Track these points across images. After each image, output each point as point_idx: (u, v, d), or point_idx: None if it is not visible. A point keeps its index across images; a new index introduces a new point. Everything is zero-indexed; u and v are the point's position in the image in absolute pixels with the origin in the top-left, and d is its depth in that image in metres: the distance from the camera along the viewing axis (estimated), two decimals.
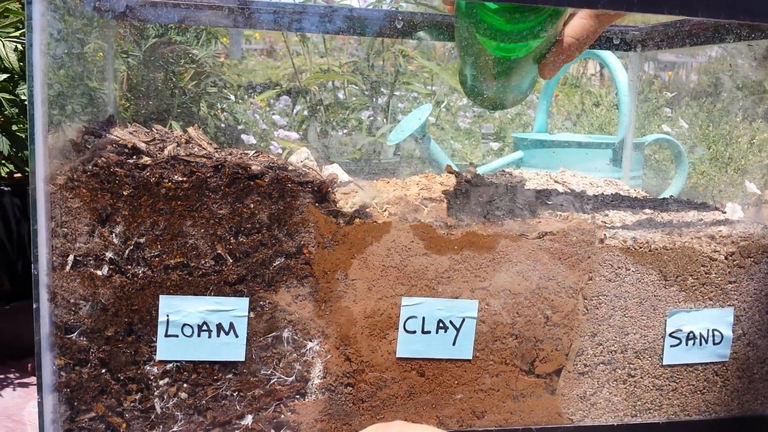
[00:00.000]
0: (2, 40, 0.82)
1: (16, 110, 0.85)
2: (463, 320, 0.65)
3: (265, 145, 1.76)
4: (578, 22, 0.64)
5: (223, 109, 1.47)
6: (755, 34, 0.74)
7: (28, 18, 0.55)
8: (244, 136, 1.66)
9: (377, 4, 1.66)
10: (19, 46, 0.84)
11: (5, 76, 0.83)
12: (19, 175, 1.00)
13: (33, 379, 0.87)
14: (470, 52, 0.69)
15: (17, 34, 0.84)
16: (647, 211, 0.77)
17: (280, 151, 1.72)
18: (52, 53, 0.58)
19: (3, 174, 0.96)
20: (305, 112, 1.79)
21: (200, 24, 0.86)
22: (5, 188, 0.93)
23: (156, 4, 0.80)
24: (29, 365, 0.90)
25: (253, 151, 0.66)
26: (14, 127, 0.88)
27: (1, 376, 0.87)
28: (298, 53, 1.90)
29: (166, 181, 0.58)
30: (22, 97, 0.87)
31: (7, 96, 0.84)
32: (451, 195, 0.76)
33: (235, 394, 0.62)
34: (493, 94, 0.75)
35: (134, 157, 0.60)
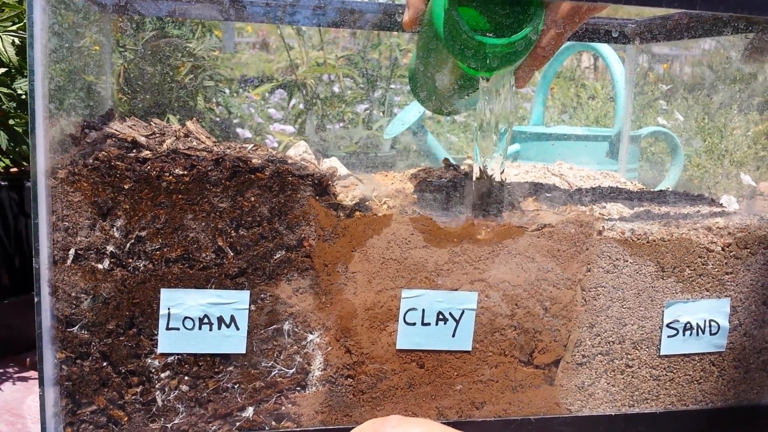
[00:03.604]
0: (0, 34, 0.82)
1: (14, 104, 0.85)
2: (463, 312, 0.65)
3: (261, 138, 1.76)
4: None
5: (218, 103, 1.47)
6: (752, 27, 0.74)
7: (28, 12, 0.55)
8: (239, 130, 1.66)
9: None
10: (17, 40, 0.83)
11: (3, 70, 0.83)
12: (15, 169, 1.00)
13: (32, 374, 0.87)
14: (439, 68, 0.66)
15: (14, 28, 0.84)
16: (644, 203, 0.78)
17: (276, 144, 1.72)
18: (53, 47, 0.58)
19: None
20: (301, 106, 1.79)
21: (194, 17, 0.86)
22: (2, 183, 0.93)
23: None
24: (28, 360, 0.90)
25: (252, 145, 0.66)
26: (11, 122, 0.88)
27: (1, 371, 0.87)
28: (292, 46, 1.90)
29: (167, 174, 0.59)
30: (19, 92, 0.87)
31: (4, 90, 0.83)
32: (450, 188, 0.76)
33: (236, 387, 0.63)
34: (450, 105, 0.74)
35: (134, 150, 0.60)
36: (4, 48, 0.82)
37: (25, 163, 0.98)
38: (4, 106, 0.85)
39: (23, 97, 0.87)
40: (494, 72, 0.61)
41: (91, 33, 0.76)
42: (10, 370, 0.87)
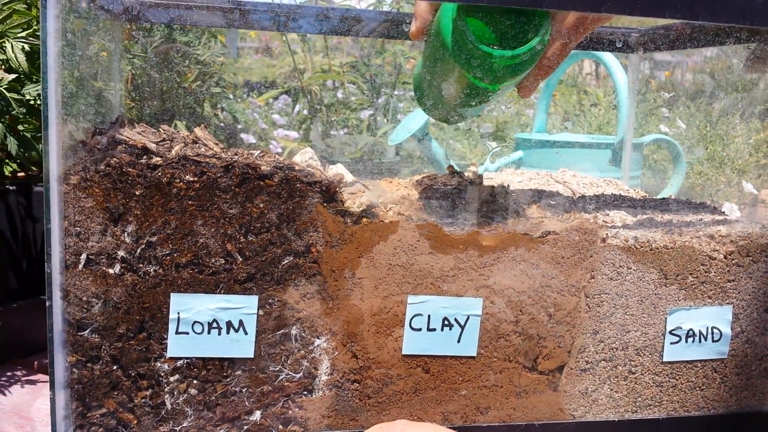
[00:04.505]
0: (10, 41, 0.83)
1: (24, 110, 0.86)
2: (468, 318, 0.66)
3: (265, 144, 1.77)
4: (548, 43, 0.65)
5: (223, 108, 1.48)
6: (754, 37, 0.75)
7: (42, 20, 0.56)
8: (243, 135, 1.67)
9: (377, 5, 1.67)
10: (26, 47, 0.84)
11: (13, 76, 0.84)
12: (22, 174, 1.01)
13: (40, 377, 0.88)
14: (445, 77, 0.67)
15: (24, 34, 0.85)
16: (647, 210, 0.78)
17: (279, 150, 1.73)
18: (65, 54, 0.59)
19: (7, 173, 0.97)
20: (305, 112, 1.80)
21: (202, 25, 0.87)
22: (10, 187, 0.94)
23: (156, 5, 0.81)
24: (35, 363, 0.91)
25: (258, 151, 0.67)
26: (21, 127, 0.88)
27: (9, 374, 0.88)
28: (296, 51, 1.91)
29: (178, 181, 0.59)
30: (28, 97, 0.88)
31: (15, 96, 0.84)
32: (455, 195, 0.77)
33: (244, 391, 0.63)
34: (456, 113, 0.75)
35: (145, 157, 0.61)
36: (15, 54, 0.83)
37: (33, 168, 0.99)
38: (14, 112, 0.85)
39: (32, 102, 0.88)
40: (500, 83, 0.62)
41: (102, 40, 0.77)
42: (18, 372, 0.88)
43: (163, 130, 0.69)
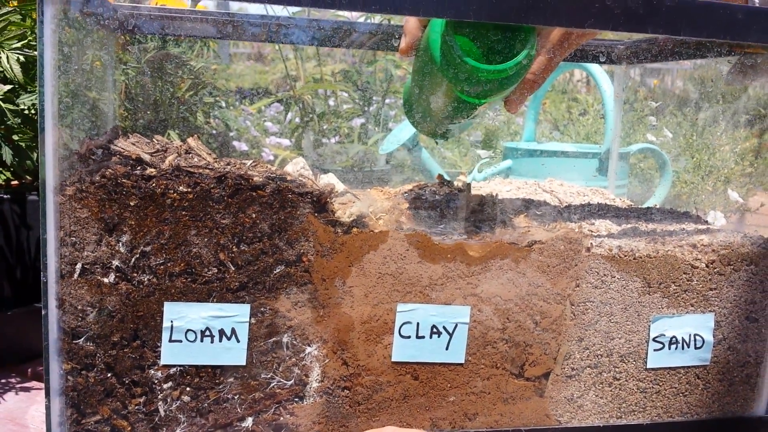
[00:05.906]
0: (6, 51, 0.84)
1: (18, 120, 0.87)
2: (456, 326, 0.67)
3: (257, 151, 1.78)
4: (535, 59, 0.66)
5: (215, 116, 1.49)
6: (735, 51, 0.77)
7: (39, 33, 0.57)
8: (235, 143, 1.68)
9: (369, 17, 1.69)
10: (21, 57, 0.85)
11: (8, 87, 0.85)
12: (16, 183, 1.02)
13: (34, 384, 0.88)
14: (434, 92, 0.69)
15: (19, 45, 0.86)
16: (632, 220, 0.80)
17: (272, 158, 1.74)
18: (62, 67, 0.60)
19: (1, 182, 0.98)
20: (296, 120, 1.81)
21: (193, 36, 0.88)
22: (4, 196, 0.95)
23: (151, 17, 0.82)
24: (29, 370, 0.92)
25: (251, 161, 0.68)
26: (15, 137, 0.89)
27: (3, 381, 0.88)
28: (288, 57, 1.92)
29: (171, 192, 0.61)
30: (22, 107, 0.89)
31: (10, 106, 0.85)
32: (444, 204, 0.78)
33: (236, 397, 0.64)
34: (444, 128, 0.77)
35: (139, 168, 0.62)
36: (10, 65, 0.84)
37: (28, 177, 0.99)
38: (9, 122, 0.86)
39: (27, 112, 0.89)
40: (487, 97, 0.63)
41: (98, 52, 0.78)
42: (12, 380, 0.89)
43: (157, 140, 0.70)
